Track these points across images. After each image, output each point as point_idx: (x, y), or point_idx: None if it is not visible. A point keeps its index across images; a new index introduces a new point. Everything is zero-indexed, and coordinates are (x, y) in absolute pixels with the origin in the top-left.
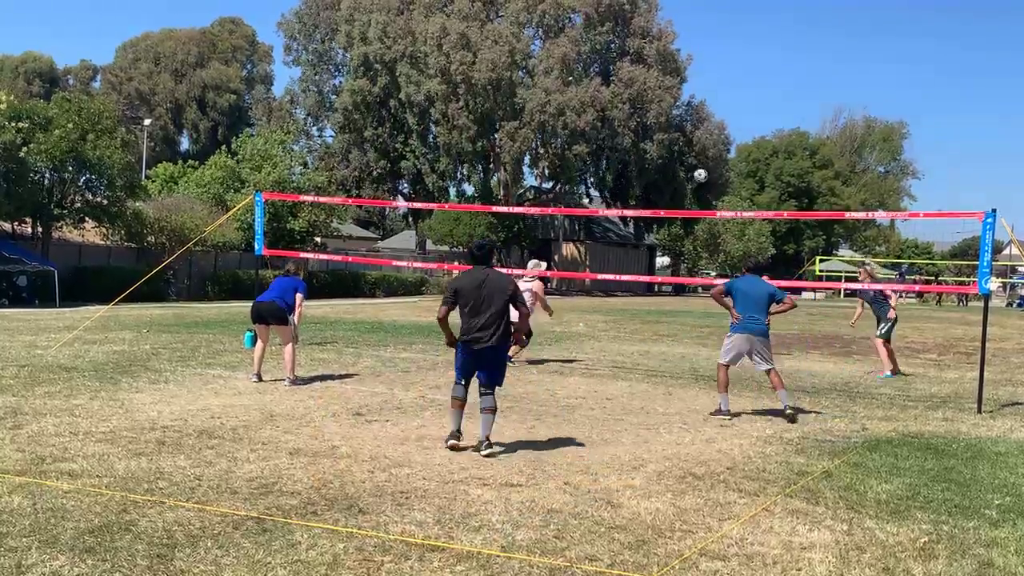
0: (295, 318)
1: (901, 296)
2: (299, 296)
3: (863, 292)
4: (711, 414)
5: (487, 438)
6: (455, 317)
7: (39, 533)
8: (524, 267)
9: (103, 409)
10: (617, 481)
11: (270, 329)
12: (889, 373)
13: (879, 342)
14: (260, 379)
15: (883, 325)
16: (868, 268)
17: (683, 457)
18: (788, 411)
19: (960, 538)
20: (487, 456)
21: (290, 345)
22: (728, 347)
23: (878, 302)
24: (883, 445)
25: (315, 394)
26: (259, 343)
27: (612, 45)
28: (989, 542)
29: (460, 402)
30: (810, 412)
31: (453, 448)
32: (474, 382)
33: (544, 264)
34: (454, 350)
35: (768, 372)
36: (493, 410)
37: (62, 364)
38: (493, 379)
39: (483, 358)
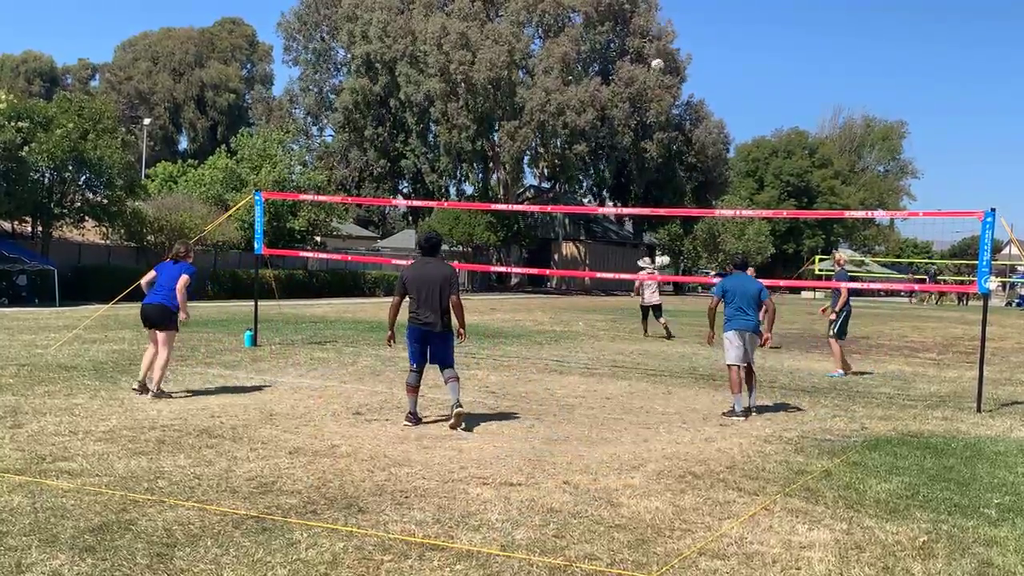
0: (180, 306)
1: (903, 295)
2: (183, 278)
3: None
4: (724, 414)
5: (458, 401)
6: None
7: (39, 532)
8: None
9: (103, 408)
10: (616, 480)
11: (158, 333)
12: (841, 372)
13: (832, 341)
14: (146, 390)
15: (835, 323)
16: (839, 256)
17: (682, 456)
18: (751, 409)
19: (959, 537)
20: (458, 415)
21: (166, 353)
22: (730, 346)
23: (836, 299)
24: (882, 444)
25: (315, 393)
26: (149, 348)
27: (612, 44)
28: (988, 541)
29: (413, 388)
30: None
31: (409, 423)
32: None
33: (649, 260)
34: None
35: (748, 367)
36: (456, 378)
37: (62, 363)
38: (445, 361)
39: (430, 340)
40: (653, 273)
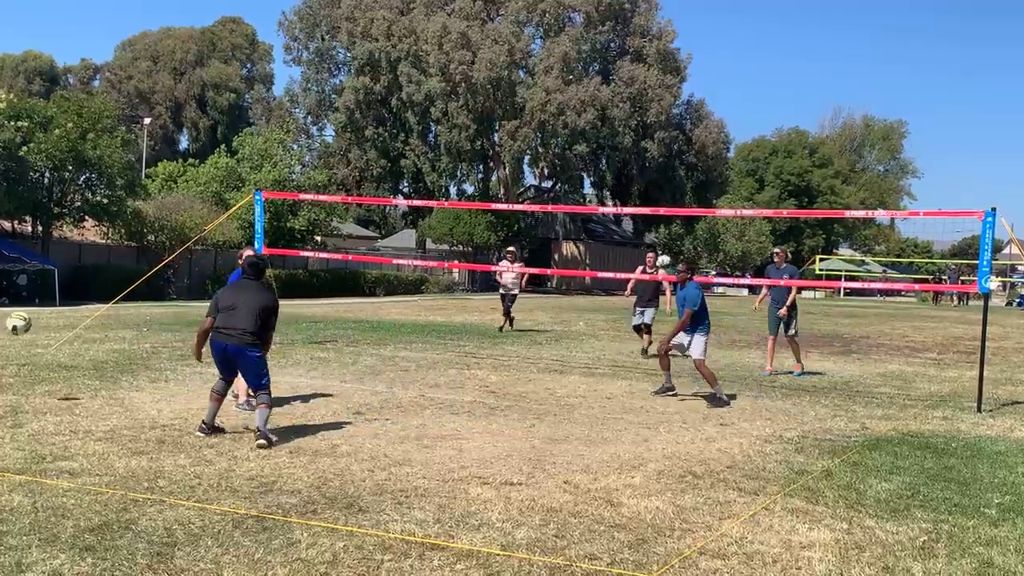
0: None
1: (904, 295)
2: None
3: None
4: (717, 404)
5: (258, 429)
6: None
7: (39, 531)
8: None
9: (103, 408)
10: (617, 480)
11: None
12: (800, 371)
13: (790, 340)
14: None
15: (794, 323)
16: (783, 250)
17: (683, 456)
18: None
19: (960, 537)
20: (258, 446)
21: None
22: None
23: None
24: (883, 444)
25: (315, 393)
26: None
27: (612, 44)
28: (989, 541)
29: (216, 395)
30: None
31: (203, 433)
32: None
33: (512, 252)
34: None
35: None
36: (267, 405)
37: (62, 363)
38: (251, 382)
39: (235, 357)
40: (513, 265)
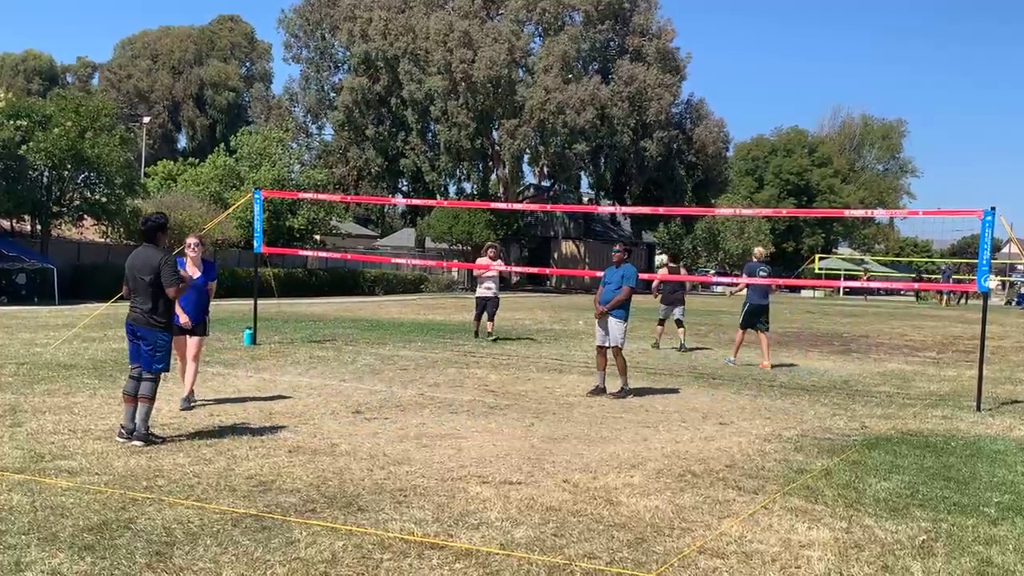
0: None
1: (903, 294)
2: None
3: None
4: (589, 393)
5: (135, 430)
6: None
7: (38, 531)
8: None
9: (102, 407)
10: (616, 479)
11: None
12: (732, 359)
13: (739, 331)
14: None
15: (740, 316)
16: (758, 251)
17: (682, 455)
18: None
19: (959, 536)
20: (134, 446)
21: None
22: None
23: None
24: (882, 443)
25: (314, 392)
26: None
27: (612, 43)
28: (988, 540)
29: (128, 397)
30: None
31: (122, 438)
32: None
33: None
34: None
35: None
36: (147, 398)
37: (61, 362)
38: (144, 361)
39: (136, 336)
40: (493, 263)
